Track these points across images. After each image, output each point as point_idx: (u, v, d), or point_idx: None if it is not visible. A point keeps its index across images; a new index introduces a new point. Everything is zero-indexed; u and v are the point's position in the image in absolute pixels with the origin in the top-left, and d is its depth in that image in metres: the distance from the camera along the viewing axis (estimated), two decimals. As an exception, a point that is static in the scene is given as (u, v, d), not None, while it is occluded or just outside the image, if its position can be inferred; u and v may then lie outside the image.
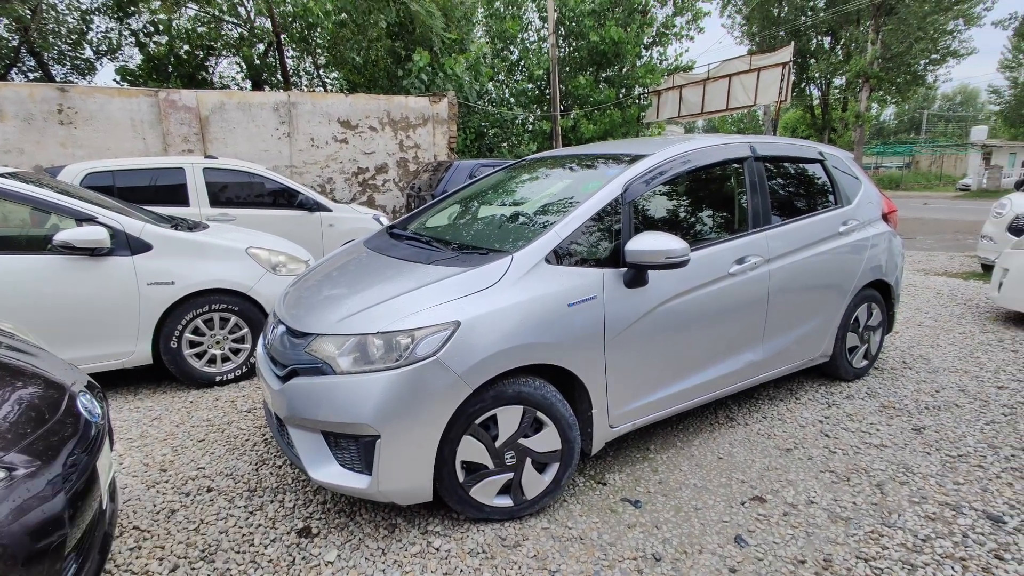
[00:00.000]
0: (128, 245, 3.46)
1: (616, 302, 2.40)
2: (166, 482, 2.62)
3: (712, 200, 3.01)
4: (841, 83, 28.72)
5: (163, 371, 3.79)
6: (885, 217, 3.75)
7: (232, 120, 8.42)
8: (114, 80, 13.41)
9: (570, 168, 3.19)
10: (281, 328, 2.44)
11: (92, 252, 3.32)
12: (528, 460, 2.28)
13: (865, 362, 3.76)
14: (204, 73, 14.23)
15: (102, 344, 3.42)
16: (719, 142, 3.03)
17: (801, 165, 3.45)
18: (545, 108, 17.43)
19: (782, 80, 13.43)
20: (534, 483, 2.31)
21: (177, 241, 3.63)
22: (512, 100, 17.26)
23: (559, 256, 2.34)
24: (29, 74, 13.92)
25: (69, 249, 3.24)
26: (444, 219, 3.30)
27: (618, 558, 2.09)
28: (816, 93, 30.34)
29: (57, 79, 14.04)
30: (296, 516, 2.35)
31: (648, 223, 2.67)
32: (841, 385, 3.66)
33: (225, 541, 2.20)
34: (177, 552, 2.14)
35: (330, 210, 6.41)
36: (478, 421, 2.17)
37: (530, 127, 17.86)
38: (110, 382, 3.82)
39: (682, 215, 2.85)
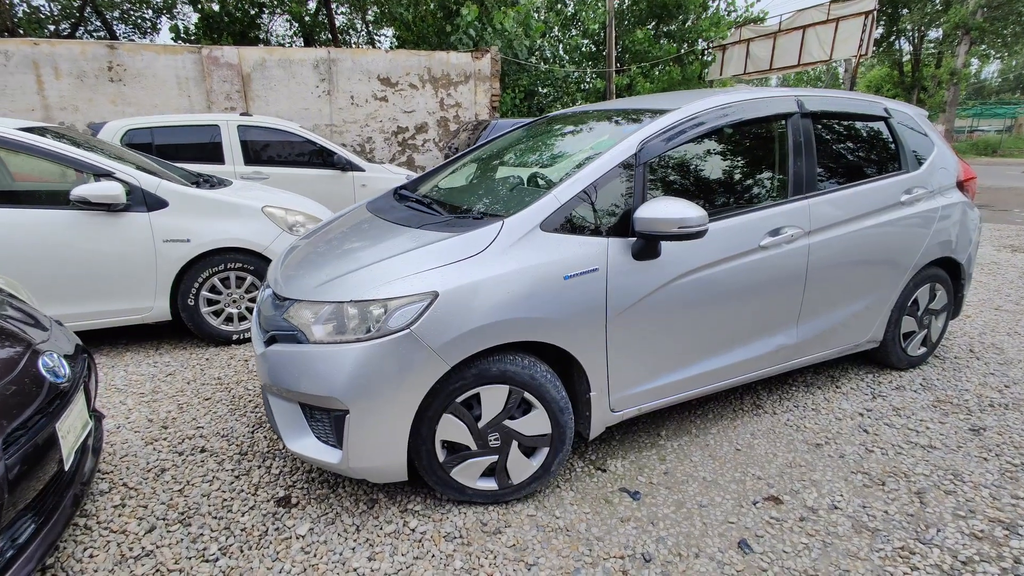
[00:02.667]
0: (144, 201, 3.47)
1: (622, 275, 2.16)
2: (164, 440, 2.64)
3: (746, 162, 2.66)
4: (937, 36, 25.91)
5: (185, 327, 3.85)
6: (960, 186, 3.25)
7: (273, 78, 8.41)
8: (171, 39, 13.73)
9: (590, 125, 2.90)
10: (269, 290, 2.36)
11: (108, 208, 3.34)
12: (514, 443, 2.11)
13: (923, 349, 3.34)
14: (256, 31, 14.33)
15: (120, 300, 3.47)
16: (759, 95, 2.66)
17: (860, 123, 3.00)
18: (600, 65, 16.63)
19: (863, 31, 12.13)
20: (521, 467, 2.15)
21: (192, 198, 3.61)
22: (565, 57, 16.54)
23: (557, 222, 2.10)
24: (95, 34, 14.44)
25: (86, 204, 3.27)
26: (456, 180, 3.10)
27: (603, 555, 1.92)
28: (907, 47, 27.53)
29: (121, 39, 14.51)
30: (279, 484, 2.30)
31: (666, 187, 2.38)
32: (892, 374, 3.28)
33: (205, 505, 2.17)
34: (157, 513, 2.13)
35: (363, 170, 6.33)
36: (459, 399, 2.02)
37: (585, 85, 17.11)
38: (135, 337, 3.92)
39: (707, 179, 2.52)
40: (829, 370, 3.33)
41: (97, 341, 3.81)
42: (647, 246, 2.17)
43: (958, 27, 22.23)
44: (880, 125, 3.05)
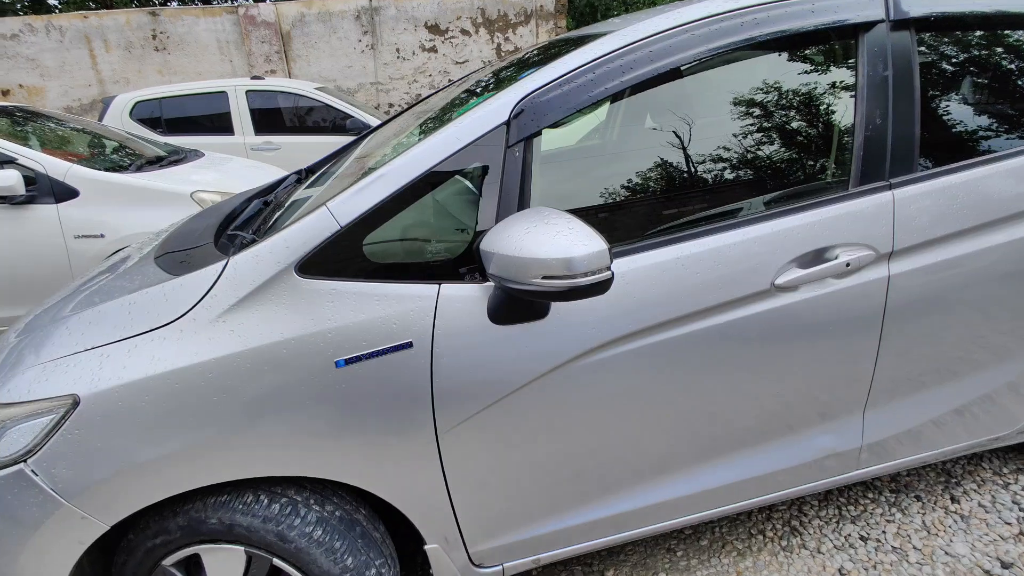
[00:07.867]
0: (52, 191, 2.99)
1: (466, 352, 1.17)
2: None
3: (755, 126, 1.44)
4: None
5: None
6: None
7: (313, 34, 7.82)
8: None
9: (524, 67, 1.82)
10: None
11: (8, 200, 2.91)
12: (273, 632, 1.27)
13: None
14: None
15: (32, 305, 3.08)
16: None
17: (1012, 36, 1.59)
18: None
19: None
20: (293, 665, 1.30)
21: (107, 185, 3.08)
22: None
23: (334, 260, 1.15)
24: (148, 2, 14.23)
25: (-22, 197, 2.86)
26: (370, 152, 2.18)
27: None
28: None
29: (170, 4, 14.16)
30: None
31: (572, 188, 1.29)
32: (1067, 480, 1.90)
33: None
34: None
35: (384, 135, 5.57)
36: (170, 562, 1.20)
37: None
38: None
39: (664, 167, 1.37)
40: (944, 460, 2.02)
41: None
42: (511, 300, 1.15)
43: None
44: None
